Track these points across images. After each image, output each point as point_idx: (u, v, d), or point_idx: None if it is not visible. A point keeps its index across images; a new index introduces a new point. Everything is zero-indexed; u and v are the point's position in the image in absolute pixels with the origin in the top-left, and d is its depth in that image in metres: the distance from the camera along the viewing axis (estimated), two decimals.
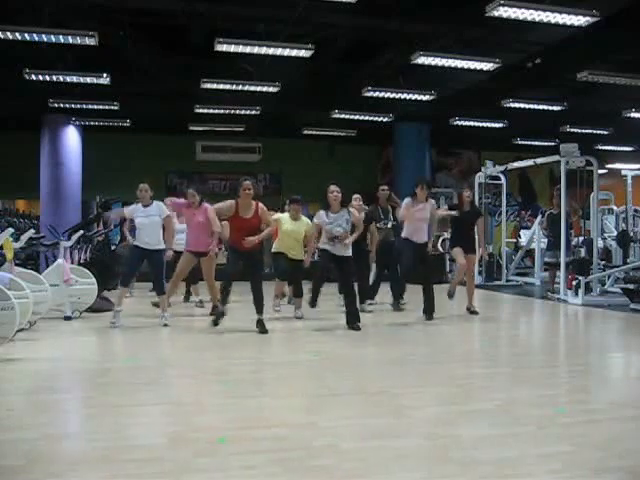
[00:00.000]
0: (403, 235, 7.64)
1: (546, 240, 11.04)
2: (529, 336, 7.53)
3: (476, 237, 8.57)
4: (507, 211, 13.74)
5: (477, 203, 12.47)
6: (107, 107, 11.49)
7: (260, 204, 6.69)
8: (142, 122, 13.34)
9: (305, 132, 14.26)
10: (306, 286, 7.53)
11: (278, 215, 8.05)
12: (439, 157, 17.43)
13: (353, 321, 6.86)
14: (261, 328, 6.61)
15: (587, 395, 4.34)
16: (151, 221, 7.07)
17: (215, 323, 6.72)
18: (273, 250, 7.92)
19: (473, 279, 8.64)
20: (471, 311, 8.21)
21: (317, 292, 7.10)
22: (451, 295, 8.19)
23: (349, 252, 6.96)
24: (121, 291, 7.21)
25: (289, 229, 7.64)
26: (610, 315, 8.35)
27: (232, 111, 12.05)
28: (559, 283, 9.87)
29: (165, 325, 7.01)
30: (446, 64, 8.84)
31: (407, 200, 7.57)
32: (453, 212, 8.44)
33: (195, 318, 8.04)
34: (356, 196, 8.29)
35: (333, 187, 6.98)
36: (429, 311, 7.53)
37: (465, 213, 8.25)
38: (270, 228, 6.77)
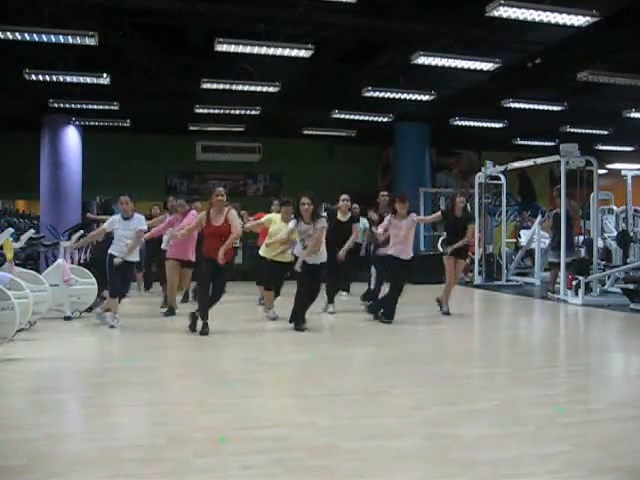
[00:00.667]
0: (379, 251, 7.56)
1: (547, 240, 11.03)
2: (529, 336, 7.53)
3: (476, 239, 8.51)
4: (507, 211, 13.73)
5: (477, 203, 12.51)
6: (107, 107, 11.48)
7: (232, 210, 6.68)
8: (142, 122, 13.32)
9: (305, 132, 14.23)
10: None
11: (269, 216, 7.89)
12: (439, 157, 17.41)
13: (297, 320, 6.75)
14: (191, 321, 6.52)
15: (587, 395, 4.34)
16: (131, 235, 7.00)
17: (203, 333, 6.47)
18: (260, 253, 7.69)
19: (455, 282, 8.48)
20: (441, 307, 8.10)
21: (304, 308, 6.80)
22: (443, 308, 8.08)
23: (323, 258, 6.77)
24: (114, 302, 7.03)
25: (279, 230, 7.34)
26: (610, 315, 8.35)
27: (232, 111, 12.03)
28: (560, 283, 9.88)
29: (112, 327, 6.83)
30: (446, 64, 8.83)
31: (386, 220, 7.40)
32: (434, 215, 8.41)
33: None
34: (344, 197, 8.21)
35: (304, 199, 6.65)
36: (375, 309, 7.36)
37: (456, 219, 8.14)
38: (234, 235, 6.52)
